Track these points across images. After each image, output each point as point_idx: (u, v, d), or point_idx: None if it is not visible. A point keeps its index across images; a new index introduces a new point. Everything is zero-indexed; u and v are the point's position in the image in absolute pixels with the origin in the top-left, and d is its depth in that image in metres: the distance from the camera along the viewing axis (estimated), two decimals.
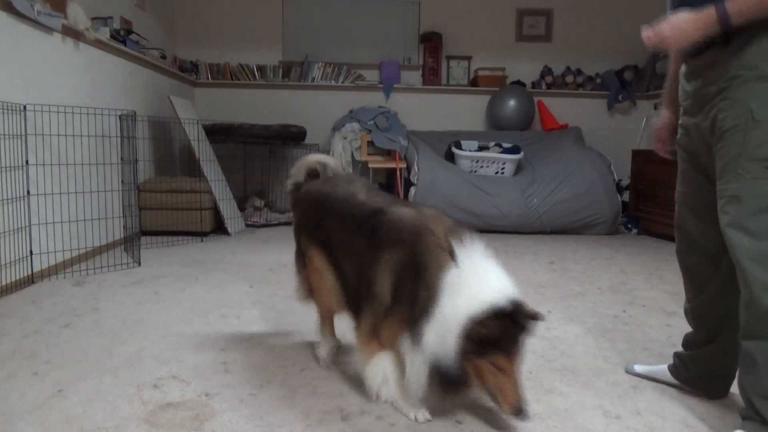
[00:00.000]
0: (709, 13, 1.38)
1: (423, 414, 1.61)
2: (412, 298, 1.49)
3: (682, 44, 1.46)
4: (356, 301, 1.69)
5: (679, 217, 1.76)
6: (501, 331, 1.39)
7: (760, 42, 1.39)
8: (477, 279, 1.43)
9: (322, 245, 1.84)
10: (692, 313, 1.80)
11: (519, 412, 1.44)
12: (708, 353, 1.74)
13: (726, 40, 1.44)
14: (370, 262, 1.60)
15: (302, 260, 1.97)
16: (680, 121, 1.70)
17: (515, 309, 1.41)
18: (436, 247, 1.49)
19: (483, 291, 1.41)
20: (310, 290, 1.97)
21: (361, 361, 1.69)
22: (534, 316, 1.44)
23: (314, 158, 2.09)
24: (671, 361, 1.89)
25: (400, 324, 1.53)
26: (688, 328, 1.83)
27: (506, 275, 1.48)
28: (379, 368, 1.64)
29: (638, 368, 1.98)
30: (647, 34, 1.50)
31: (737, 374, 1.53)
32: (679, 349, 1.88)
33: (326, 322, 2.03)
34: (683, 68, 1.65)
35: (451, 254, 1.47)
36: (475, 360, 1.42)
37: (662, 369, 1.91)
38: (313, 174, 2.07)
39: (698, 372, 1.78)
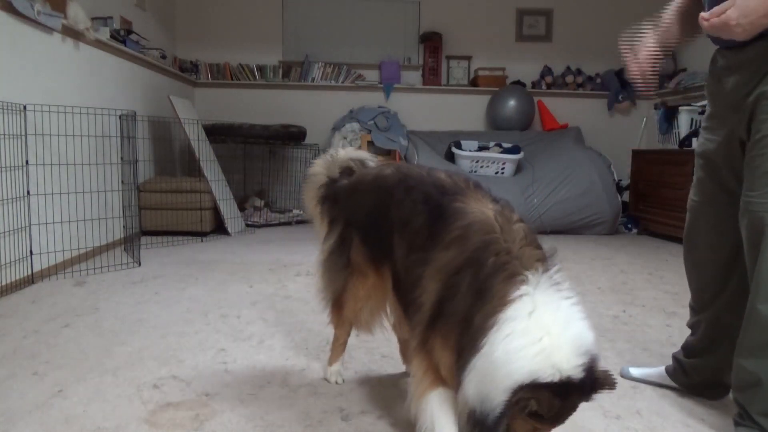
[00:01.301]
0: None
1: None
2: (464, 317, 1.19)
3: (752, 31, 1.22)
4: (404, 303, 1.44)
5: (690, 227, 1.66)
6: (562, 407, 1.09)
7: None
8: (549, 326, 1.10)
9: (376, 240, 1.56)
10: (696, 327, 1.73)
11: None
12: (711, 362, 1.69)
13: None
14: (422, 257, 1.31)
15: (345, 259, 1.68)
16: (705, 124, 1.56)
17: (589, 381, 1.09)
18: (509, 264, 1.18)
19: (554, 347, 1.08)
20: (342, 296, 1.70)
21: (413, 394, 1.36)
22: (608, 386, 1.12)
23: (350, 154, 1.86)
24: (670, 362, 1.85)
25: (448, 347, 1.23)
26: (688, 329, 1.80)
27: (585, 320, 1.18)
28: (429, 411, 1.31)
29: (634, 371, 1.91)
30: (705, 17, 1.27)
31: (733, 386, 1.49)
32: (678, 349, 1.83)
33: (346, 335, 1.84)
34: (717, 62, 1.48)
35: (523, 281, 1.15)
36: (517, 423, 1.12)
37: (659, 371, 1.86)
38: (347, 172, 1.81)
39: (698, 379, 1.75)
